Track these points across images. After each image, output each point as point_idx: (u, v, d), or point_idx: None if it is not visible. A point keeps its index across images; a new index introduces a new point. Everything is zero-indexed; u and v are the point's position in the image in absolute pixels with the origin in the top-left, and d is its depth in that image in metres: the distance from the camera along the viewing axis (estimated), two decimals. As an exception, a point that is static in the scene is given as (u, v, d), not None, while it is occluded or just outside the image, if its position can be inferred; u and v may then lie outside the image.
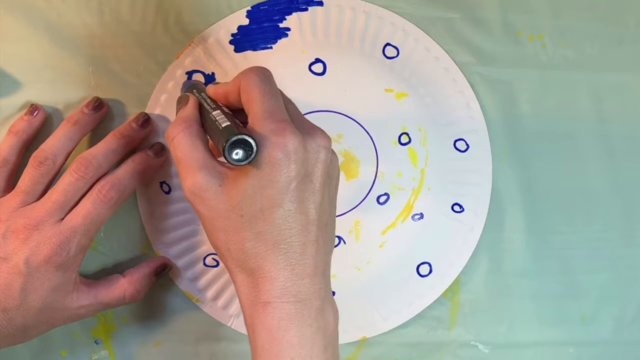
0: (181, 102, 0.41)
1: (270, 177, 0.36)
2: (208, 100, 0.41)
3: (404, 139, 0.49)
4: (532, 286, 0.51)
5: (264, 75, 0.39)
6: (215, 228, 0.38)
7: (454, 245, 0.50)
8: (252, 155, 0.36)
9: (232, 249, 0.38)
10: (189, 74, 0.47)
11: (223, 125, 0.37)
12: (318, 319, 0.38)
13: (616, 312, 0.52)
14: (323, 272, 0.39)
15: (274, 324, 0.37)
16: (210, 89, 0.42)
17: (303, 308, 0.37)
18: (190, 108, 0.41)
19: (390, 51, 0.49)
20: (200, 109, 0.41)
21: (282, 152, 0.36)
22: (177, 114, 0.41)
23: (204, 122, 0.40)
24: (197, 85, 0.44)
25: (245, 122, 0.39)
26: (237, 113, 0.40)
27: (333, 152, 0.40)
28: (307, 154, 0.37)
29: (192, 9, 0.47)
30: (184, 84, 0.46)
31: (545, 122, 0.50)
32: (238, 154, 0.36)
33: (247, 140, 0.36)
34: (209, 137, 0.40)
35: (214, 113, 0.39)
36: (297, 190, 0.37)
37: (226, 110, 0.40)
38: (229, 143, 0.36)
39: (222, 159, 0.38)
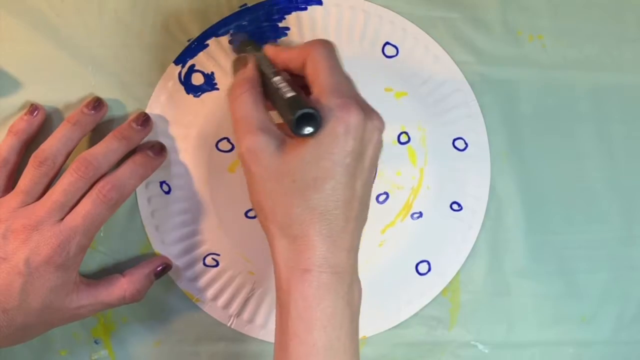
0: (240, 63, 0.42)
1: (328, 149, 0.37)
2: (266, 62, 0.42)
3: (403, 138, 0.49)
4: (532, 286, 0.51)
5: (332, 49, 0.40)
6: (265, 190, 0.39)
7: (453, 243, 0.50)
8: (316, 129, 0.37)
9: (278, 213, 0.38)
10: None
11: (288, 95, 0.38)
12: (349, 293, 0.39)
13: (616, 312, 0.52)
14: (356, 249, 0.40)
15: (311, 292, 0.38)
16: (270, 50, 0.42)
17: (338, 280, 0.38)
18: (251, 69, 0.41)
19: (389, 50, 0.49)
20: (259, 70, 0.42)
21: (344, 127, 0.37)
22: (234, 73, 0.42)
23: (262, 85, 0.41)
24: (251, 42, 0.44)
25: (302, 87, 0.39)
26: (293, 78, 0.41)
27: (381, 138, 0.40)
28: (365, 132, 0.38)
29: (192, 9, 0.47)
30: (233, 37, 0.46)
31: (545, 121, 0.50)
32: (309, 130, 0.37)
33: (312, 114, 0.36)
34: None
35: (275, 79, 0.39)
36: (350, 165, 0.38)
37: (286, 76, 0.40)
38: (296, 116, 0.36)
39: (273, 112, 0.39)
